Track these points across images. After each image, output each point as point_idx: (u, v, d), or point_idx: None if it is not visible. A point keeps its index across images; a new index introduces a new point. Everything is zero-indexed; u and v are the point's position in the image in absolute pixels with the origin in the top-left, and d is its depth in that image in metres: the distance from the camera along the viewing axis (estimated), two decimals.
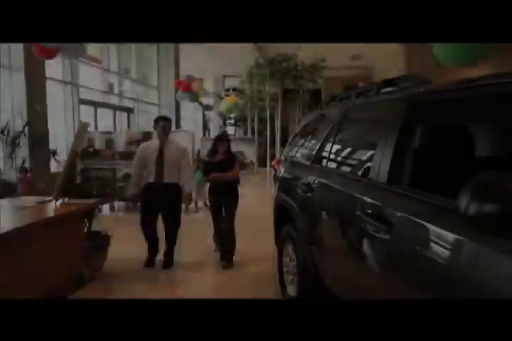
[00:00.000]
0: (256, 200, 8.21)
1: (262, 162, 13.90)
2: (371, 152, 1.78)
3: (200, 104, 17.30)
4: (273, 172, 3.77)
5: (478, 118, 2.54)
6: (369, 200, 1.61)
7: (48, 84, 6.60)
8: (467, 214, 0.73)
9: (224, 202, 3.92)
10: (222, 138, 3.92)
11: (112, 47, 9.54)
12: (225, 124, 17.68)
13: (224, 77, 17.12)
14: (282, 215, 2.93)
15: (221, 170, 3.79)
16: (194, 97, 9.03)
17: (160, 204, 3.68)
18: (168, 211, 3.74)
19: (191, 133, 6.53)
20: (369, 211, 1.56)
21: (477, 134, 2.44)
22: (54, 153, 5.81)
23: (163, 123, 3.69)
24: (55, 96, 7.47)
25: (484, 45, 2.85)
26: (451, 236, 1.10)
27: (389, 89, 2.14)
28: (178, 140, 4.25)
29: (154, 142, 3.78)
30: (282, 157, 3.59)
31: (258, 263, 3.86)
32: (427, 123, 2.41)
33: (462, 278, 1.05)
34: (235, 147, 12.24)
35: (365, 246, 1.61)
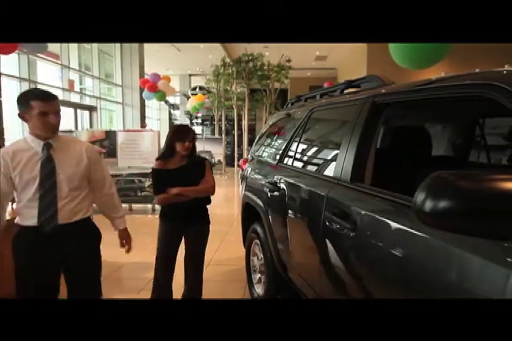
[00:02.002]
0: (224, 199, 8.19)
1: (229, 161, 13.88)
2: (336, 151, 1.83)
3: (166, 102, 17.04)
4: (240, 171, 3.73)
5: (437, 118, 2.67)
6: (333, 198, 1.65)
7: (3, 80, 6.27)
8: (423, 211, 0.77)
9: (189, 239, 2.42)
10: (185, 132, 2.34)
11: (72, 43, 9.19)
12: (191, 123, 17.50)
13: (190, 75, 16.94)
14: (249, 214, 2.94)
15: (184, 181, 2.28)
16: (160, 96, 8.86)
17: (58, 271, 1.82)
18: (80, 279, 1.85)
19: (156, 133, 6.39)
20: (334, 209, 1.60)
21: (436, 134, 2.56)
22: None
23: (46, 105, 1.67)
24: (11, 93, 7.11)
25: (441, 46, 2.98)
26: (411, 233, 1.15)
27: (352, 89, 2.21)
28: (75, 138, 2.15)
29: (28, 145, 1.75)
30: (249, 156, 3.60)
31: (230, 264, 3.85)
32: (389, 124, 2.50)
33: (422, 272, 1.10)
34: (202, 147, 12.20)
35: (331, 243, 1.65)
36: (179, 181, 2.27)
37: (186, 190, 2.27)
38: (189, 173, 2.36)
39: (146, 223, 5.73)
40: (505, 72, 1.14)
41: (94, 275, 1.93)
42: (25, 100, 1.67)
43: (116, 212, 2.05)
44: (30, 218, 1.74)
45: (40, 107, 1.65)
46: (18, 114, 1.70)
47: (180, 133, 2.35)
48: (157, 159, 2.43)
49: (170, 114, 18.89)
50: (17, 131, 7.17)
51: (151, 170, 2.49)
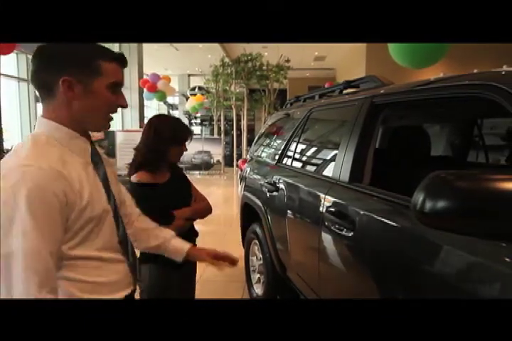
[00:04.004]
0: (223, 199, 8.19)
1: (228, 161, 13.88)
2: (334, 151, 1.83)
3: (165, 103, 17.03)
4: (239, 171, 3.72)
5: (436, 119, 2.68)
6: (332, 199, 1.65)
7: (2, 80, 6.27)
8: (421, 211, 0.77)
9: (183, 280, 1.74)
10: (187, 132, 1.73)
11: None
12: (190, 124, 17.49)
13: (189, 75, 16.93)
14: (248, 214, 2.94)
15: (178, 201, 1.71)
16: (160, 96, 8.87)
17: None
18: None
19: None
20: (332, 209, 1.60)
21: (435, 134, 2.57)
22: (9, 152, 5.52)
23: (122, 74, 0.99)
24: (10, 93, 7.11)
25: (440, 46, 2.98)
26: (409, 233, 1.15)
27: (351, 90, 2.21)
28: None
29: (67, 144, 0.90)
30: (248, 156, 3.60)
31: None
32: (388, 124, 2.51)
33: (420, 272, 1.10)
34: (201, 147, 12.18)
35: (329, 243, 1.65)
36: (171, 201, 1.60)
37: (197, 211, 1.73)
38: (179, 189, 1.75)
39: None
40: (503, 72, 1.15)
41: None
42: (90, 57, 0.93)
43: (164, 230, 1.25)
44: (115, 284, 0.98)
45: (116, 74, 0.96)
46: (64, 80, 0.87)
47: (182, 133, 1.69)
48: (140, 169, 1.62)
49: (169, 114, 18.89)
50: (16, 131, 7.17)
51: (134, 186, 1.62)
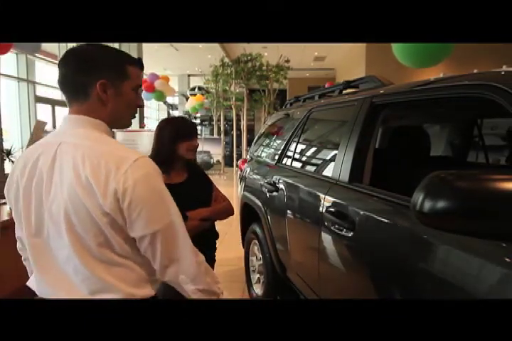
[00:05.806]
0: None
1: (228, 161, 13.88)
2: (334, 151, 1.83)
3: (165, 103, 17.03)
4: (239, 171, 3.72)
5: (436, 119, 2.68)
6: (332, 199, 1.65)
7: (2, 80, 6.26)
8: (421, 211, 0.77)
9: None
10: (192, 127, 1.74)
11: (70, 43, 9.18)
12: None
13: (189, 76, 16.93)
14: (248, 215, 2.94)
15: (195, 201, 1.66)
16: (159, 96, 8.86)
17: None
18: None
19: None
20: (332, 209, 1.60)
21: (435, 134, 2.57)
22: (8, 153, 5.50)
23: (142, 77, 1.11)
24: (9, 93, 7.10)
25: (443, 46, 2.97)
26: (409, 233, 1.15)
27: (350, 90, 2.21)
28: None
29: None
30: (248, 156, 3.60)
31: (229, 264, 3.85)
32: (387, 124, 2.51)
33: (420, 272, 1.10)
34: (201, 147, 12.18)
35: (329, 243, 1.65)
36: (187, 201, 1.46)
37: (215, 212, 1.67)
38: (197, 189, 1.70)
39: None
40: (503, 72, 1.15)
41: None
42: (121, 62, 1.01)
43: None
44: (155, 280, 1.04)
45: (139, 77, 1.06)
46: (101, 83, 0.95)
47: (186, 129, 1.69)
48: None
49: (168, 114, 18.89)
50: (16, 132, 7.16)
51: None
